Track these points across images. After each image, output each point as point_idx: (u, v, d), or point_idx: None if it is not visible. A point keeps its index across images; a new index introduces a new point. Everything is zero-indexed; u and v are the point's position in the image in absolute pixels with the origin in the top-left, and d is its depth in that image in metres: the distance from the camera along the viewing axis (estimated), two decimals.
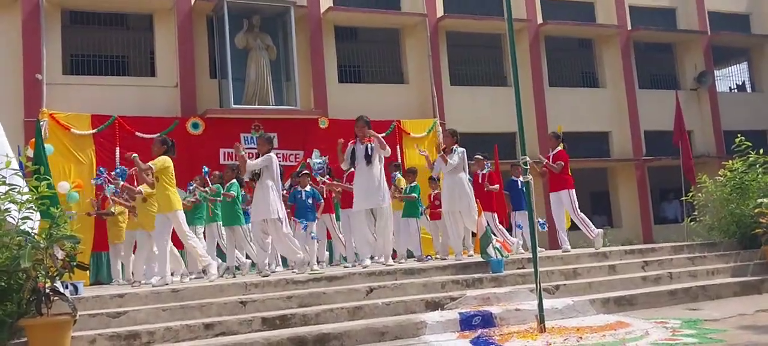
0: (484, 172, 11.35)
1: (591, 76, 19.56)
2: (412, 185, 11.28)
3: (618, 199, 18.87)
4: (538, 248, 7.13)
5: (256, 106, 14.57)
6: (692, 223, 12.06)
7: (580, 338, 5.87)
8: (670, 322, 6.48)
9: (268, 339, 6.03)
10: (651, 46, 20.54)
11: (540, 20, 18.38)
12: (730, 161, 11.02)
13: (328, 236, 11.78)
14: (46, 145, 9.56)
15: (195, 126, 13.67)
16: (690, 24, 20.45)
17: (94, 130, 13.09)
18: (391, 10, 17.09)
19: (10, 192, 6.22)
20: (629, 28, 19.38)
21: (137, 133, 13.30)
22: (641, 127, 18.94)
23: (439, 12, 17.29)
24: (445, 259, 10.24)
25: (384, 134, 14.54)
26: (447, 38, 17.47)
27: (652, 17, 20.29)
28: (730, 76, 22.94)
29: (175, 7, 14.68)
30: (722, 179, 10.92)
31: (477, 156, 11.52)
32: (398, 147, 15.03)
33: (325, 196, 11.23)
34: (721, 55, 21.40)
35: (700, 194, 11.75)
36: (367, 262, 9.00)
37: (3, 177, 6.30)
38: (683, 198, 13.19)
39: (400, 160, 14.85)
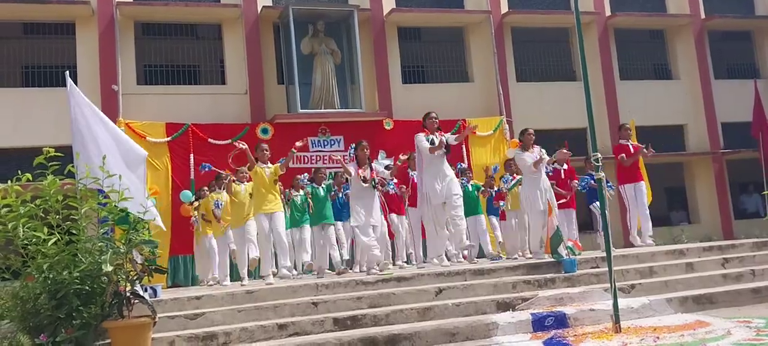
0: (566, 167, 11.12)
1: (664, 67, 18.94)
2: (473, 182, 11.35)
3: (695, 194, 18.18)
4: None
5: (323, 110, 14.79)
6: None
7: (658, 338, 5.69)
8: (753, 321, 6.21)
9: (340, 339, 6.10)
10: (727, 35, 19.70)
11: (608, 12, 17.91)
12: None
13: (391, 236, 11.62)
14: None
15: (265, 131, 13.96)
16: None
17: (169, 138, 13.54)
18: (455, 8, 16.96)
19: (92, 200, 6.47)
20: (703, 16, 18.65)
21: (210, 140, 13.70)
22: (718, 119, 18.18)
23: (504, 8, 17.07)
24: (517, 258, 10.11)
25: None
26: (512, 34, 17.23)
27: (728, 4, 19.47)
28: None
29: (243, 16, 15.02)
30: None
31: (563, 150, 11.14)
32: (463, 146, 14.92)
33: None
34: None
35: None
36: (446, 261, 8.95)
37: (85, 186, 6.56)
38: (764, 192, 12.63)
39: (466, 160, 14.76)
